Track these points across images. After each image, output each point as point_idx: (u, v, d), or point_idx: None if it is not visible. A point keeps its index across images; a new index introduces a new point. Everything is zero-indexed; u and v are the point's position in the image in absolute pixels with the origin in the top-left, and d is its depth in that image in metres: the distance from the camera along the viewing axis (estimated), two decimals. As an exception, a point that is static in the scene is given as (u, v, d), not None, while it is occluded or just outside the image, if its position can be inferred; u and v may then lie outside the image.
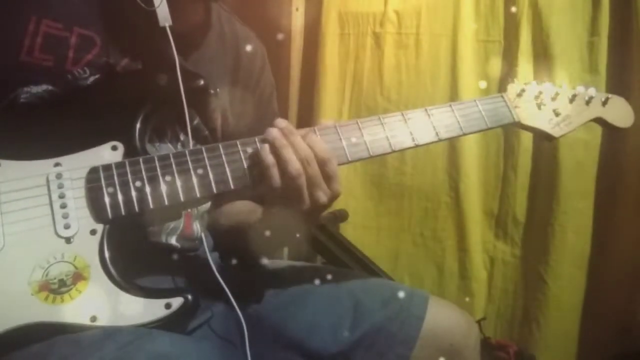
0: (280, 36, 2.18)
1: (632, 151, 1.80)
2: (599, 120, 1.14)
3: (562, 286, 1.90)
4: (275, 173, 0.87)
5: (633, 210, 1.79)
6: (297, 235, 0.95)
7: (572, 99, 1.11)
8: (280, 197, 0.89)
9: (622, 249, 1.83)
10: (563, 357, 1.94)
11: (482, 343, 1.18)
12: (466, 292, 2.07)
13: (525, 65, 1.90)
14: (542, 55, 1.89)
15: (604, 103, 1.13)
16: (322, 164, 0.88)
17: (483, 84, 1.97)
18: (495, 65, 1.98)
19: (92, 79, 0.94)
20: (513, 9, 1.93)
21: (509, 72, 1.93)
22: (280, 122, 0.91)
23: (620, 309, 1.82)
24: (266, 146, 0.89)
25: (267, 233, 0.96)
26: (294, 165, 0.86)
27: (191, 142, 0.96)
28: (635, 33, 1.77)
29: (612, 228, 1.86)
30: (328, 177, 0.89)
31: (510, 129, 1.95)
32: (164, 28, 0.94)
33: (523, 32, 1.91)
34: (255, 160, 0.89)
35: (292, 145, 0.88)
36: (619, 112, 1.14)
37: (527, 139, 1.94)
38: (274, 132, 0.89)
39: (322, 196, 0.88)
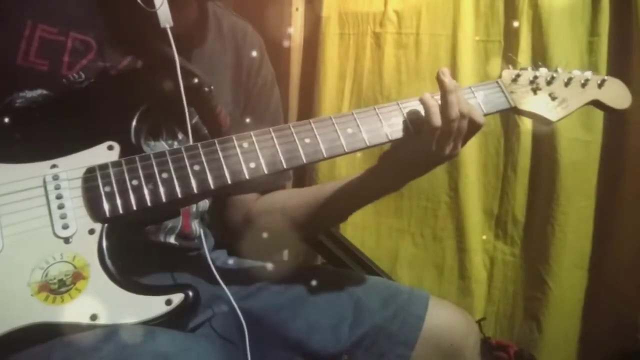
0: (280, 36, 2.17)
1: (632, 151, 1.80)
2: (596, 103, 1.13)
3: (562, 286, 1.90)
4: (436, 111, 0.94)
5: (633, 210, 1.79)
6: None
7: (568, 83, 1.11)
8: (429, 141, 0.94)
9: (622, 249, 1.84)
10: (563, 357, 1.94)
11: (482, 343, 1.18)
12: (466, 292, 2.06)
13: (525, 65, 1.90)
14: (542, 56, 1.89)
15: (600, 85, 1.12)
16: (474, 127, 0.96)
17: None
18: (495, 65, 1.98)
19: (87, 83, 0.94)
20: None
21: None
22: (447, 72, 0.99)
23: (621, 308, 1.82)
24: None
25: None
26: (455, 109, 0.94)
27: (191, 141, 0.96)
28: (635, 33, 1.77)
29: (612, 228, 1.86)
30: (466, 139, 0.97)
31: (511, 127, 1.96)
32: (164, 29, 0.94)
33: (523, 32, 1.91)
34: (252, 153, 0.90)
35: (457, 96, 0.95)
36: (616, 94, 1.13)
37: (527, 138, 1.94)
38: (447, 74, 0.99)
39: (453, 149, 0.96)
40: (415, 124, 0.98)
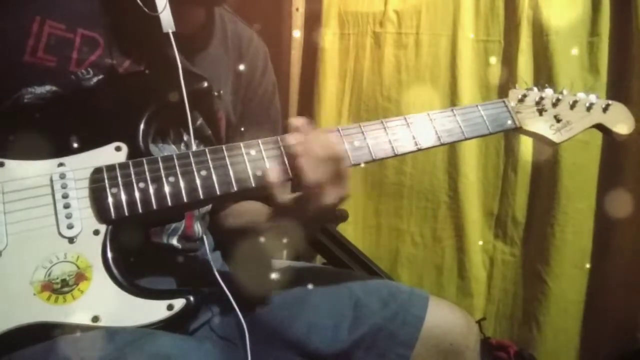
0: (280, 36, 2.18)
1: (633, 152, 1.80)
2: (599, 127, 1.14)
3: (562, 286, 1.91)
4: (309, 168, 0.87)
5: (633, 210, 1.79)
6: (299, 238, 0.95)
7: (573, 105, 1.12)
8: (304, 195, 0.88)
9: (622, 249, 1.84)
10: (563, 357, 1.94)
11: (482, 343, 1.18)
12: (466, 292, 2.07)
13: (525, 65, 1.91)
14: (542, 55, 1.89)
15: (605, 109, 1.13)
16: (334, 162, 0.89)
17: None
18: (495, 65, 1.98)
19: (95, 79, 0.94)
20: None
21: (508, 72, 1.94)
22: (298, 119, 0.92)
23: (620, 309, 1.83)
24: (292, 145, 0.89)
25: (271, 236, 0.96)
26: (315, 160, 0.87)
27: (194, 143, 0.96)
28: (635, 33, 1.77)
29: (612, 228, 1.86)
30: (339, 177, 0.89)
31: (511, 130, 1.96)
32: (167, 33, 0.94)
33: (523, 32, 1.92)
34: (258, 162, 0.90)
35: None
36: (620, 119, 1.14)
37: (527, 139, 1.94)
38: (296, 123, 0.90)
39: (332, 195, 0.88)
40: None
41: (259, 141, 0.92)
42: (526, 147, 1.96)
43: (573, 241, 1.89)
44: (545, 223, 1.92)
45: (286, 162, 0.91)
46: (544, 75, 1.86)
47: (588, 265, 1.91)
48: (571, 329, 1.93)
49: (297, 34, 2.19)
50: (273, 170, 0.89)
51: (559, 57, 1.86)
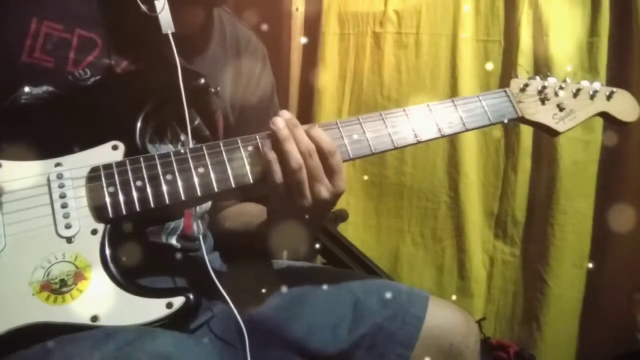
0: (280, 36, 2.18)
1: (632, 151, 1.80)
2: (603, 115, 1.12)
3: (562, 286, 1.91)
4: (277, 168, 0.87)
5: (633, 210, 1.79)
6: (301, 238, 0.95)
7: (577, 94, 1.10)
8: (282, 194, 0.88)
9: (622, 249, 1.84)
10: (563, 357, 1.94)
11: (482, 343, 1.18)
12: (466, 292, 2.07)
13: (525, 65, 1.91)
14: (542, 56, 1.89)
15: (609, 97, 1.11)
16: (325, 157, 0.88)
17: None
18: (496, 66, 1.99)
19: (92, 80, 0.94)
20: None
21: (508, 73, 1.94)
22: (285, 113, 0.91)
23: (620, 309, 1.83)
24: (268, 141, 0.89)
25: (271, 237, 0.95)
26: (295, 157, 0.86)
27: (191, 142, 0.96)
28: (635, 33, 1.78)
29: (612, 228, 1.86)
30: (331, 171, 0.88)
31: (511, 127, 1.96)
32: (166, 34, 0.94)
33: (523, 32, 1.92)
34: (256, 157, 0.89)
35: (294, 137, 0.88)
36: (624, 106, 1.12)
37: (527, 138, 1.95)
38: (279, 123, 0.88)
39: (324, 191, 0.88)
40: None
41: (256, 136, 0.91)
42: (526, 147, 1.96)
43: (573, 241, 1.89)
44: (544, 223, 1.93)
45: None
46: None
47: (588, 265, 1.91)
48: (571, 329, 1.93)
49: (297, 34, 2.19)
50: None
51: (558, 57, 1.86)
